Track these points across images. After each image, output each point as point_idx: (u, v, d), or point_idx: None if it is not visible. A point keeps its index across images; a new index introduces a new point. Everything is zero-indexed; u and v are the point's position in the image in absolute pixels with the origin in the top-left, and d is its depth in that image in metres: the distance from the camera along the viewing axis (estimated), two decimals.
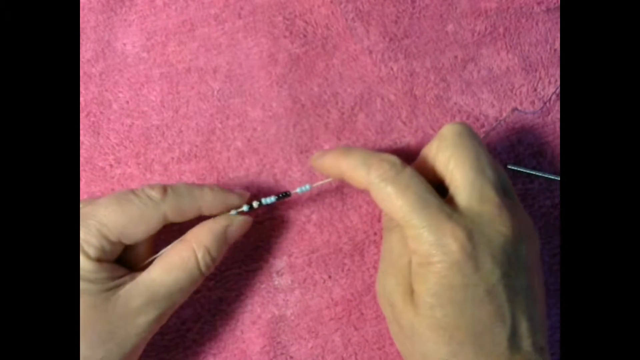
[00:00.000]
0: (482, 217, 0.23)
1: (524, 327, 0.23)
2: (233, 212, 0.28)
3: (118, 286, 0.24)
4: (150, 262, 0.26)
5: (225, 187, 0.32)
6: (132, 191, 0.26)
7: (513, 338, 0.23)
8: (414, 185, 0.24)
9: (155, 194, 0.26)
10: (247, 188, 0.32)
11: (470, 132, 0.26)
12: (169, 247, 0.26)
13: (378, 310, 0.30)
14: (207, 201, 0.27)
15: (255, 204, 0.28)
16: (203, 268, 0.26)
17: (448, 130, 0.26)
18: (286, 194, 0.29)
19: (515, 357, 0.23)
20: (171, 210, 0.26)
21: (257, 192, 0.32)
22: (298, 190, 0.29)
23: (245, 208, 0.28)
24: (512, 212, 0.24)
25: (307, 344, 0.30)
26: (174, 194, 0.26)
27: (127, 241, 0.25)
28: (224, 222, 0.27)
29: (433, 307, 0.23)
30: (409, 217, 0.23)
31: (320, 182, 0.29)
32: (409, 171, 0.24)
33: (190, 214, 0.27)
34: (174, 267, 0.25)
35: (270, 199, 0.29)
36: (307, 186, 0.29)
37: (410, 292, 0.24)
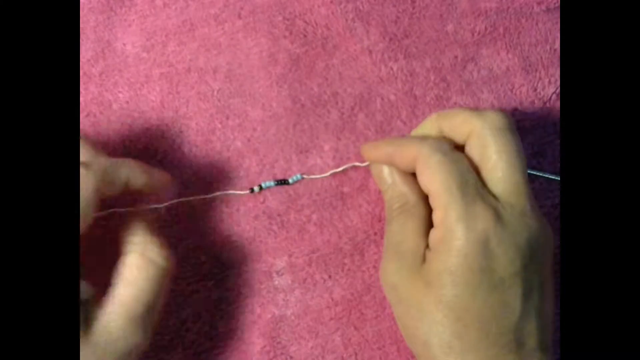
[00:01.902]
0: (514, 209, 0.24)
1: (532, 323, 0.23)
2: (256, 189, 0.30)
3: (88, 319, 0.23)
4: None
5: (225, 188, 0.32)
6: None
7: (519, 332, 0.23)
8: (461, 162, 0.24)
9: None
10: (246, 188, 0.32)
11: (512, 126, 0.25)
12: (118, 268, 0.25)
13: (378, 310, 0.30)
14: (133, 170, 0.25)
15: (256, 188, 0.30)
16: (164, 263, 0.25)
17: (492, 118, 0.25)
18: (285, 181, 0.30)
19: (520, 351, 0.23)
20: (100, 181, 0.23)
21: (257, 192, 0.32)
22: (290, 180, 0.30)
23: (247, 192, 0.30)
24: (540, 214, 0.25)
25: (307, 343, 0.30)
26: (98, 163, 0.24)
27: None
28: (141, 215, 0.26)
29: (445, 286, 0.23)
30: (446, 187, 0.24)
31: (316, 176, 0.31)
32: (460, 153, 0.25)
33: (118, 185, 0.25)
34: (135, 277, 0.24)
35: (270, 183, 0.30)
36: (299, 176, 0.30)
37: (417, 272, 0.25)
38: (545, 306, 0.24)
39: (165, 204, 0.30)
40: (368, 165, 0.30)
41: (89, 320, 0.23)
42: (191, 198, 0.31)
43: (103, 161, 0.25)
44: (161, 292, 0.25)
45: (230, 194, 0.30)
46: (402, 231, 0.26)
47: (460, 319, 0.23)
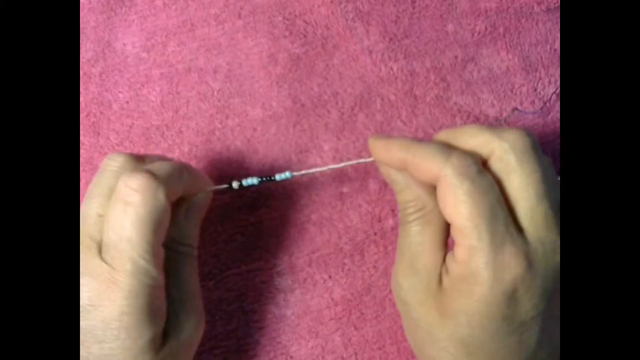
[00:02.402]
0: (544, 247, 0.21)
1: (544, 352, 0.22)
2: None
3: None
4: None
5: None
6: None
7: None
8: (490, 193, 0.21)
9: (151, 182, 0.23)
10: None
11: (537, 148, 0.23)
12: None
13: (378, 310, 0.30)
14: (190, 176, 0.25)
15: (235, 184, 0.27)
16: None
17: (515, 139, 0.22)
18: (270, 179, 0.28)
19: None
20: (170, 193, 0.23)
21: (256, 192, 0.32)
22: (277, 177, 0.28)
23: (224, 187, 0.27)
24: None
25: (307, 343, 0.30)
26: (164, 172, 0.24)
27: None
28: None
29: (461, 325, 0.22)
30: (473, 224, 0.21)
31: (308, 171, 0.28)
32: (488, 177, 0.22)
33: (178, 193, 0.24)
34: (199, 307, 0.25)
35: (252, 180, 0.27)
36: (288, 173, 0.27)
37: (433, 296, 0.23)
38: (558, 331, 0.22)
39: None
40: (373, 161, 0.27)
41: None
42: None
43: (166, 167, 0.24)
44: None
45: (208, 190, 0.27)
46: (419, 242, 0.24)
47: (471, 354, 0.22)
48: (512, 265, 0.20)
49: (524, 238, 0.21)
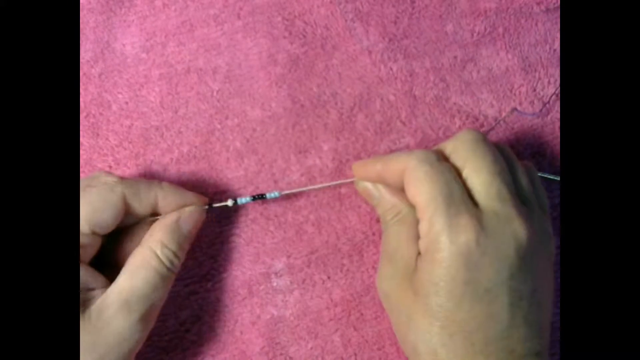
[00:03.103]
0: (498, 217, 0.23)
1: (521, 331, 0.23)
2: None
3: (89, 299, 0.24)
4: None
5: (224, 189, 0.32)
6: (87, 179, 0.27)
7: (507, 340, 0.23)
8: (447, 173, 0.24)
9: (110, 178, 0.27)
10: (245, 188, 0.32)
11: (485, 139, 0.26)
12: (131, 254, 0.26)
13: (377, 311, 0.30)
14: (164, 190, 0.27)
15: (230, 202, 0.30)
16: (167, 263, 0.26)
17: (464, 135, 0.26)
18: (261, 196, 0.30)
19: (510, 357, 0.22)
20: (128, 192, 0.26)
21: (255, 192, 0.32)
22: (267, 195, 0.30)
23: (217, 205, 0.30)
24: (529, 220, 0.24)
25: (306, 344, 0.30)
26: (129, 179, 0.27)
27: (100, 230, 0.26)
28: (174, 216, 0.28)
29: (429, 295, 0.23)
30: (431, 198, 0.24)
31: (292, 190, 0.31)
32: (446, 164, 0.25)
33: (147, 202, 0.27)
34: (137, 269, 0.25)
35: (246, 199, 0.30)
36: (276, 193, 0.30)
37: (408, 280, 0.25)
38: (539, 313, 0.23)
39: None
40: (353, 182, 0.30)
41: (88, 304, 0.24)
42: None
43: (136, 181, 0.27)
44: (160, 288, 0.26)
45: (206, 208, 0.29)
46: (396, 239, 0.27)
47: (444, 327, 0.23)
48: (467, 228, 0.23)
49: (479, 209, 0.24)
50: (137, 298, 0.25)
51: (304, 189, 0.31)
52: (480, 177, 0.24)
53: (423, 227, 0.24)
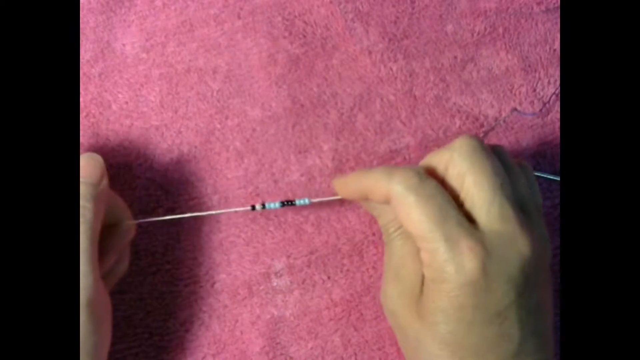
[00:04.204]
0: (501, 237, 0.22)
1: (530, 344, 0.23)
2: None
3: None
4: None
5: (223, 188, 0.32)
6: None
7: (518, 356, 0.22)
8: (436, 196, 0.23)
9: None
10: (245, 188, 0.32)
11: (484, 147, 0.25)
12: None
13: (378, 311, 0.30)
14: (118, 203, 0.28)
15: (258, 206, 0.29)
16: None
17: (461, 145, 0.24)
18: (291, 202, 0.29)
19: None
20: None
21: (255, 192, 0.32)
22: (297, 202, 0.29)
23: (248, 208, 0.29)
24: (531, 230, 0.23)
25: (306, 344, 0.30)
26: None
27: None
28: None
29: (438, 323, 0.23)
30: (427, 229, 0.22)
31: (322, 199, 0.30)
32: (432, 182, 0.24)
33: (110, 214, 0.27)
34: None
35: (275, 204, 0.29)
36: (306, 200, 0.29)
37: (415, 302, 0.24)
38: (545, 322, 0.23)
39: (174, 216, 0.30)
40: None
41: None
42: (189, 215, 0.30)
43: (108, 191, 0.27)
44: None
45: (231, 210, 0.30)
46: (401, 255, 0.26)
47: (456, 353, 0.23)
48: (471, 256, 0.22)
49: (480, 230, 0.23)
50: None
51: (332, 198, 0.30)
52: (481, 195, 0.23)
53: (424, 257, 0.23)
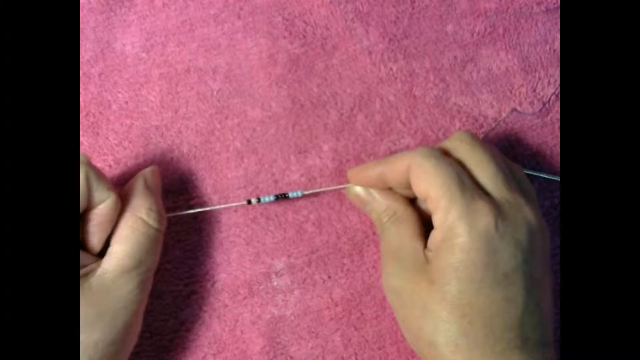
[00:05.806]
0: (510, 203, 0.24)
1: (535, 317, 0.23)
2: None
3: (88, 273, 0.25)
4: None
5: (223, 188, 0.32)
6: None
7: (523, 327, 0.23)
8: (453, 164, 0.25)
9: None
10: (245, 188, 0.32)
11: (479, 138, 0.27)
12: (117, 226, 0.27)
13: (378, 311, 0.30)
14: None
15: (254, 200, 0.30)
16: (155, 225, 0.27)
17: (459, 135, 0.27)
18: (284, 196, 0.30)
19: (524, 346, 0.23)
20: (92, 174, 0.26)
21: (255, 192, 0.32)
22: (290, 194, 0.30)
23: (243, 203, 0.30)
24: (534, 203, 0.25)
25: (307, 344, 0.30)
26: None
27: None
28: (142, 180, 0.28)
29: (450, 282, 0.23)
30: (444, 189, 0.24)
31: (315, 190, 0.31)
32: (450, 159, 0.26)
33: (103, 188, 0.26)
34: (129, 237, 0.26)
35: (269, 198, 0.30)
36: (299, 192, 0.30)
37: (420, 272, 0.25)
38: (545, 300, 0.24)
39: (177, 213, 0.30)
40: (343, 189, 0.31)
41: (87, 277, 0.25)
42: (189, 212, 0.31)
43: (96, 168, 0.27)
44: (152, 250, 0.27)
45: (226, 206, 0.31)
46: (398, 238, 0.27)
47: (465, 315, 0.23)
48: (484, 212, 0.23)
49: (491, 196, 0.25)
50: (134, 263, 0.26)
51: (325, 189, 0.31)
52: (485, 171, 0.25)
53: (438, 218, 0.24)
